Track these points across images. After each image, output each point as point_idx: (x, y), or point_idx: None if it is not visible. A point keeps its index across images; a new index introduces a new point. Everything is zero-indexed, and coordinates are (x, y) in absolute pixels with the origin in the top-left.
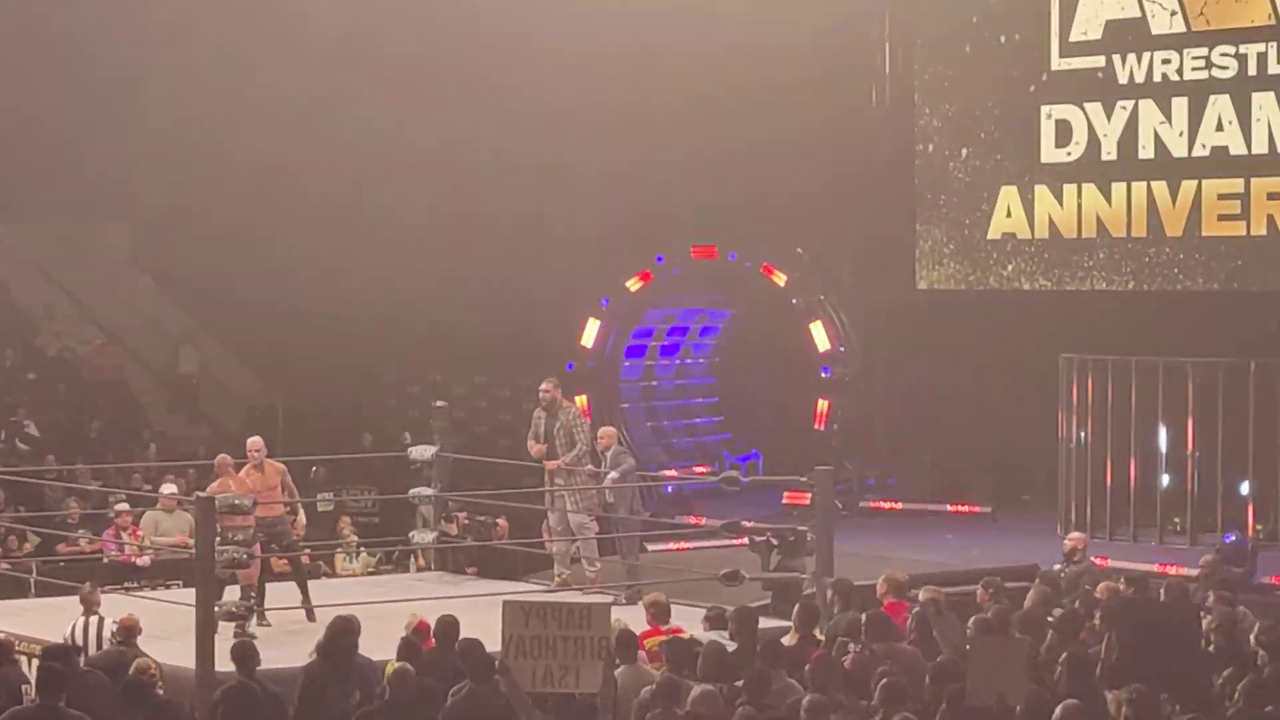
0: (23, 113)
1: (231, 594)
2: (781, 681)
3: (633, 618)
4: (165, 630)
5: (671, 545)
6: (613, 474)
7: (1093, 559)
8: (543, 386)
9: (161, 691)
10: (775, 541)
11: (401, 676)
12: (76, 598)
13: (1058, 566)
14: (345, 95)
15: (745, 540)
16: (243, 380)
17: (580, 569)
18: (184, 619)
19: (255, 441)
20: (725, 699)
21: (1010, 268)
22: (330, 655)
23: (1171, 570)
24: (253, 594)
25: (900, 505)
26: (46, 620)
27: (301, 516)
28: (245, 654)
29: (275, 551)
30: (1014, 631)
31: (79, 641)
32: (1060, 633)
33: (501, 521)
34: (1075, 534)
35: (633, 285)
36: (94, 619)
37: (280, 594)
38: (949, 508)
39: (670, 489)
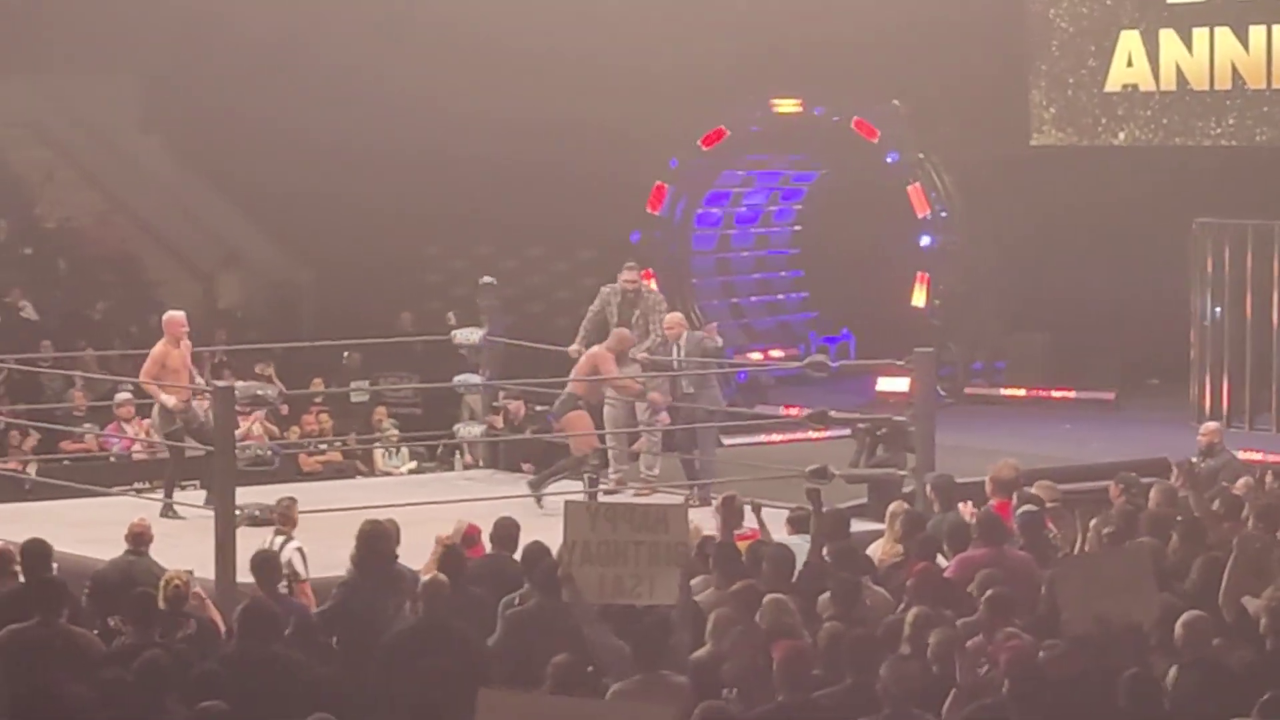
0: None
1: (248, 496)
2: (872, 593)
3: (706, 519)
4: (181, 537)
5: (750, 439)
6: (711, 340)
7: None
8: (627, 277)
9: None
10: (881, 432)
11: (435, 589)
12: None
13: (1195, 459)
14: None
15: (837, 432)
16: (264, 253)
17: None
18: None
19: (181, 316)
20: (810, 612)
21: (1122, 135)
22: (366, 566)
23: None
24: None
25: (1011, 392)
26: (47, 527)
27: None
28: (265, 565)
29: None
30: (1142, 534)
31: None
32: (1186, 536)
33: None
34: (1211, 424)
35: (705, 144)
36: (284, 540)
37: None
38: (1066, 394)
39: (746, 375)
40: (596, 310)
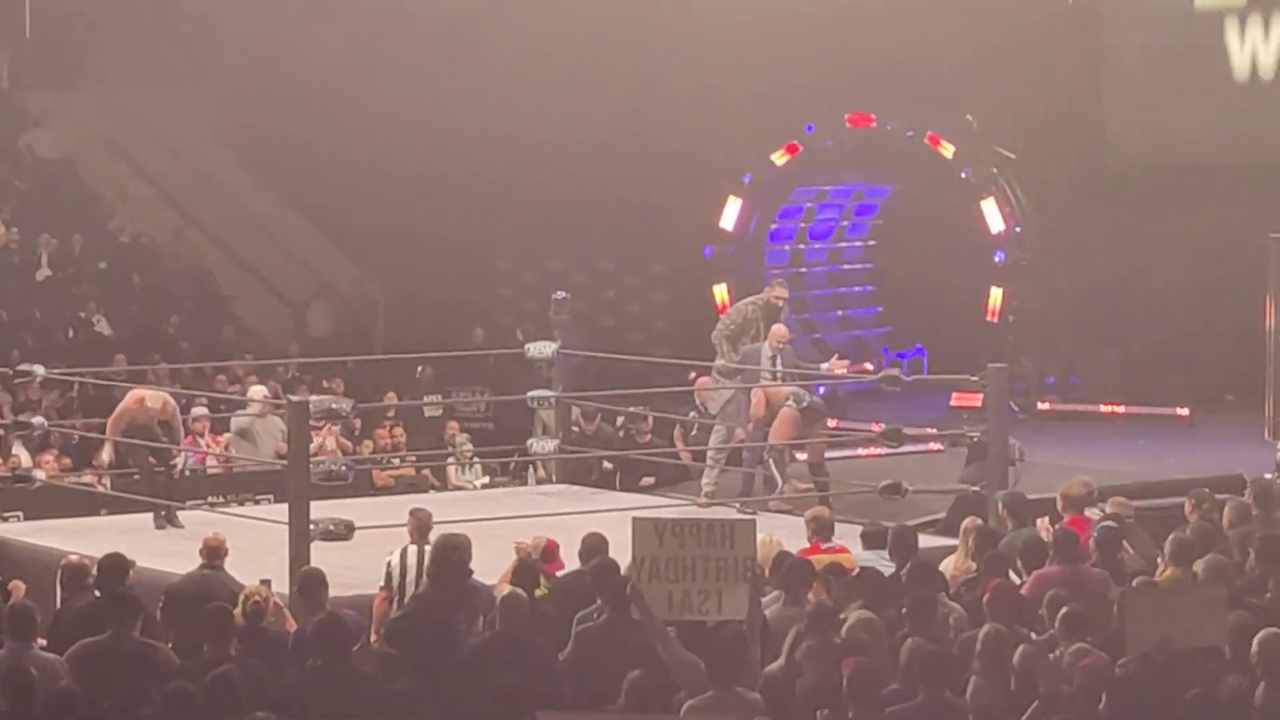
0: None
1: (322, 510)
2: (948, 608)
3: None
4: (256, 552)
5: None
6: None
7: None
8: (778, 293)
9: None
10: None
11: (514, 602)
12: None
13: (1271, 474)
14: None
15: (912, 447)
16: (337, 269)
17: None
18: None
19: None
20: (887, 627)
21: (1196, 153)
22: (440, 580)
23: None
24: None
25: (1084, 407)
26: (124, 541)
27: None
28: (314, 582)
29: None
30: (1223, 548)
31: (404, 572)
32: (1264, 553)
33: (649, 422)
34: None
35: (778, 159)
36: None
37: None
38: (1140, 410)
39: (821, 390)
40: (737, 331)
